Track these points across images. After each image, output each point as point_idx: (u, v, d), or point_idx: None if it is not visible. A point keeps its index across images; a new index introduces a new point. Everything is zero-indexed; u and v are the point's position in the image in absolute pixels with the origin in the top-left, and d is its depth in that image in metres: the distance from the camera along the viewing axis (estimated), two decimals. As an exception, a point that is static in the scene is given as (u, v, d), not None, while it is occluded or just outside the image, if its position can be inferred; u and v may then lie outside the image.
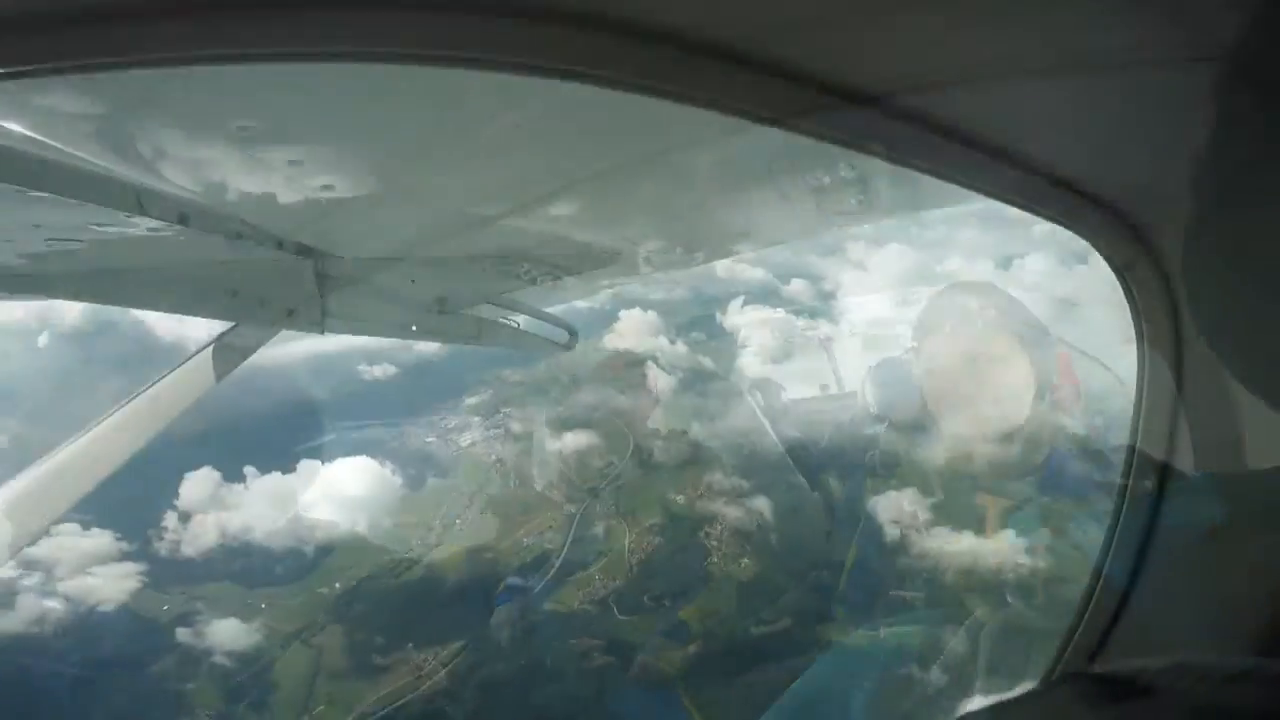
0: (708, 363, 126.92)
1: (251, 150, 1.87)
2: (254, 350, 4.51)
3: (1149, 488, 1.90)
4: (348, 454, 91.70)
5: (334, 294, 3.82)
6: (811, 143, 2.06)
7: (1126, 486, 1.97)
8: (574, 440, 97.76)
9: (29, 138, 1.66)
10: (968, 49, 1.17)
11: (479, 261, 3.87)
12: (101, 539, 70.88)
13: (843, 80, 1.22)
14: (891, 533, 72.72)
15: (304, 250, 3.57)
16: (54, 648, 60.70)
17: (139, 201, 2.24)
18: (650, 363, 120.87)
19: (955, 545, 72.86)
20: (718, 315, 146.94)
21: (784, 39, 1.18)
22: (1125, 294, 1.80)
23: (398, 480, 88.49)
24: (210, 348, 4.43)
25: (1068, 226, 1.68)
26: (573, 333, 5.32)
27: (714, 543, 76.33)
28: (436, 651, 63.41)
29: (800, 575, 71.99)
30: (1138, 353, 1.79)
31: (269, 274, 3.64)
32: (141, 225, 2.42)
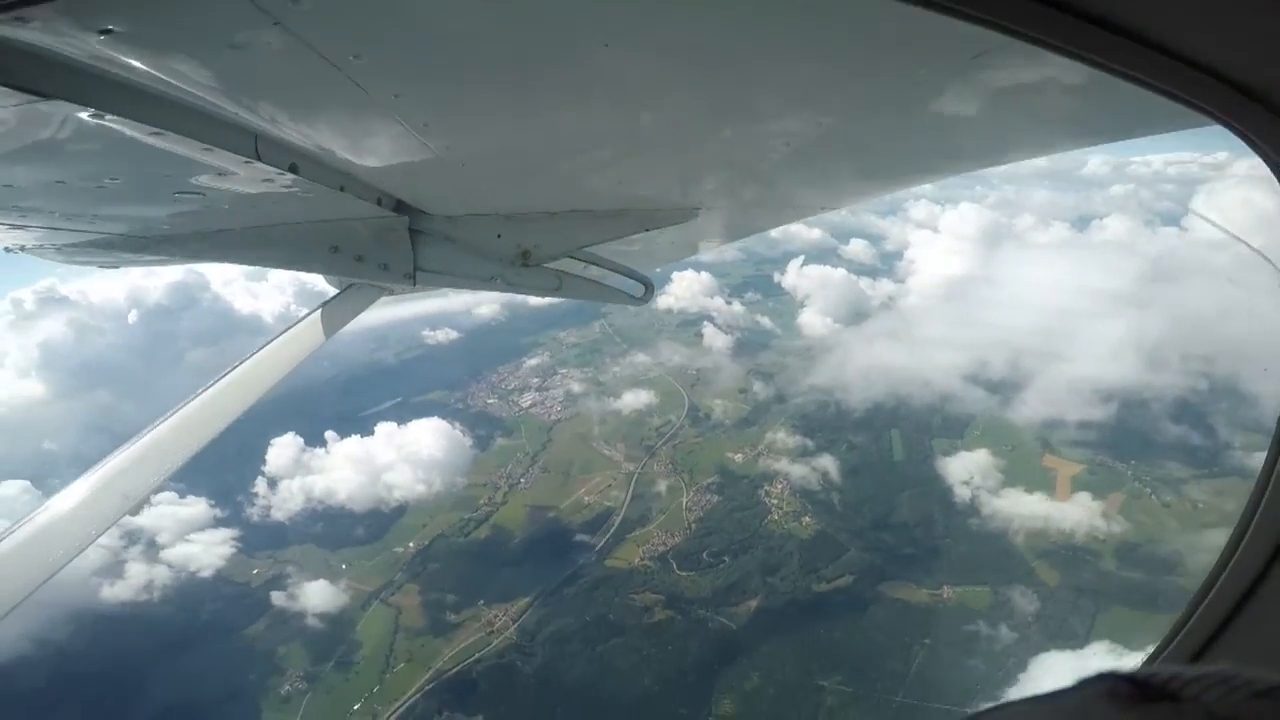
0: (766, 322, 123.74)
1: (360, 83, 1.90)
2: (349, 320, 4.74)
3: None
4: (417, 417, 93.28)
5: (425, 249, 3.92)
6: (898, 88, 2.11)
7: (1265, 489, 1.80)
8: (631, 400, 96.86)
9: (157, 78, 1.76)
10: None
11: (560, 217, 3.92)
12: (197, 507, 74.40)
13: None
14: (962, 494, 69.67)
15: (400, 207, 3.62)
16: (161, 615, 64.62)
17: (256, 146, 2.26)
18: (707, 323, 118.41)
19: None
20: (775, 275, 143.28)
21: None
22: None
23: (465, 442, 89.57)
24: (306, 320, 4.65)
25: (1222, 123, 1.51)
26: (649, 285, 5.08)
27: (774, 501, 74.84)
28: (506, 608, 64.54)
29: (861, 534, 69.93)
30: None
31: (366, 230, 3.76)
32: (256, 176, 2.46)
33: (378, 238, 3.78)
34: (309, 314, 4.65)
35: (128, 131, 1.89)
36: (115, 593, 64.14)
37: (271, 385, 4.27)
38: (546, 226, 3.92)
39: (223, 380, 4.09)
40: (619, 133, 2.78)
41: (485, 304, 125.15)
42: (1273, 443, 1.81)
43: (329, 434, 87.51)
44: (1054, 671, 51.16)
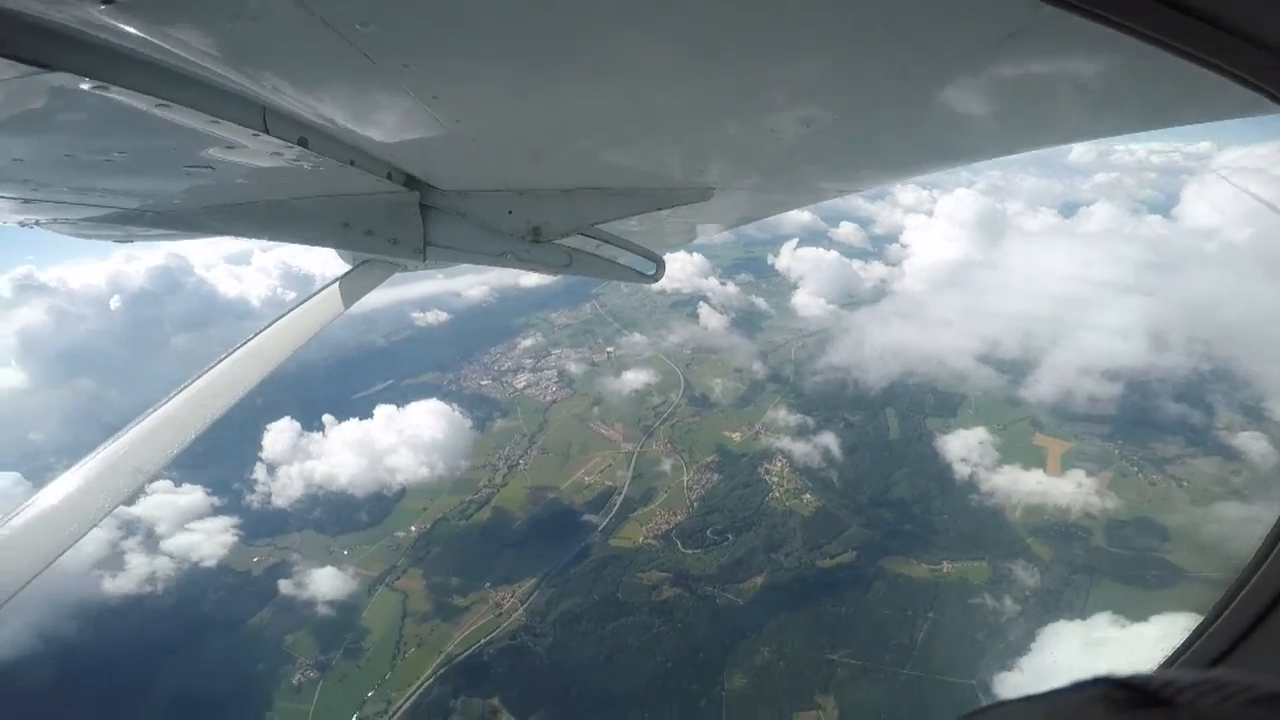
0: (760, 303, 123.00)
1: (368, 54, 1.79)
2: (363, 295, 4.62)
3: None
4: (411, 400, 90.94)
5: (435, 224, 3.79)
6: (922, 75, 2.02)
7: None
8: (627, 380, 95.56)
9: (162, 49, 1.70)
10: None
11: (573, 194, 3.70)
12: (194, 495, 71.42)
13: None
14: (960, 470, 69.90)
15: (410, 182, 3.49)
16: (165, 606, 61.98)
17: (264, 119, 2.19)
18: (702, 303, 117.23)
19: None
20: (768, 257, 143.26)
21: None
22: None
23: (465, 423, 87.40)
24: (322, 293, 4.48)
25: (1245, 84, 1.39)
26: (660, 263, 4.53)
27: (774, 479, 74.44)
28: (513, 590, 63.29)
29: (861, 511, 69.82)
30: None
31: (377, 205, 3.64)
32: (265, 149, 2.37)
33: (388, 212, 3.70)
34: (325, 287, 4.54)
35: (134, 104, 1.82)
36: (118, 585, 61.47)
37: (290, 354, 4.18)
38: (559, 203, 3.78)
39: (240, 350, 3.96)
40: (634, 110, 2.57)
41: (474, 286, 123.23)
42: None
43: (326, 418, 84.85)
44: (1064, 641, 51.77)
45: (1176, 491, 66.78)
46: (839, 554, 64.04)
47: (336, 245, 4.14)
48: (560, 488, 77.55)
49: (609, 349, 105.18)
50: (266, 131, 2.21)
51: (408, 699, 52.38)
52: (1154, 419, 77.88)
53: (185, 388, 3.67)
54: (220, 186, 3.31)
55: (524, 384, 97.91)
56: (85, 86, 1.67)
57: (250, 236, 4.11)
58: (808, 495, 71.14)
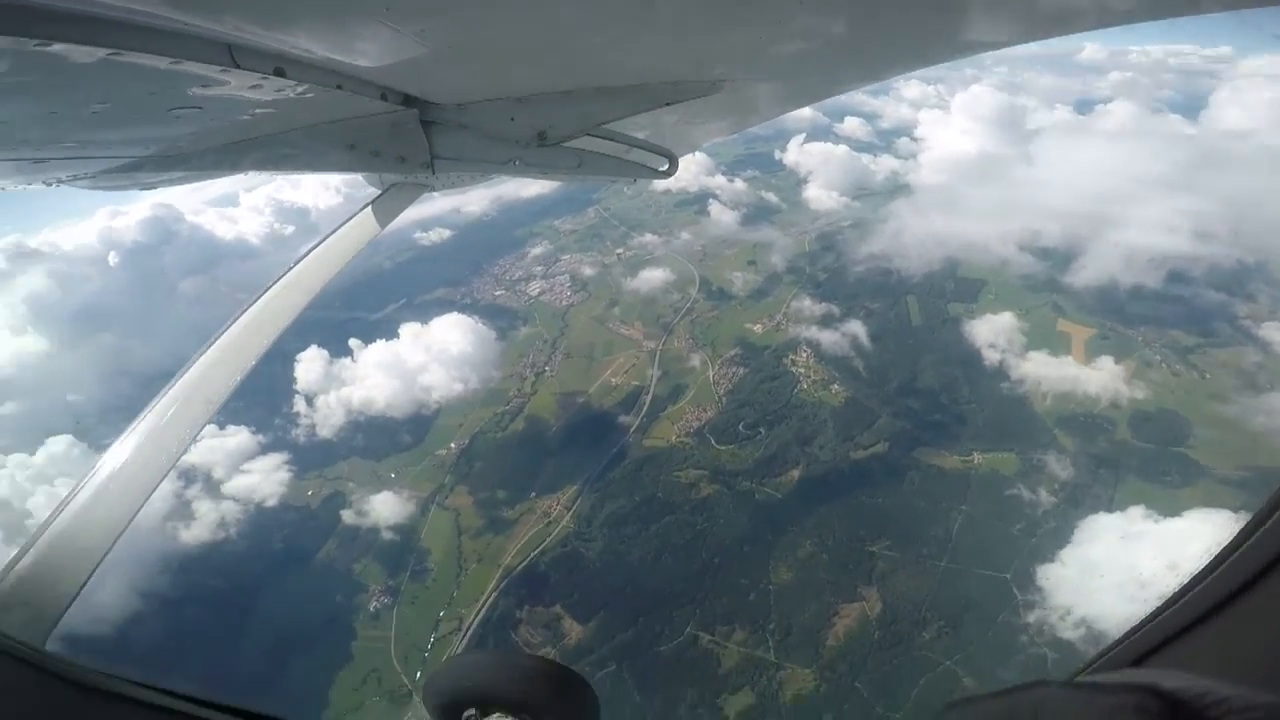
0: (771, 197, 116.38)
1: None
2: (395, 216, 4.69)
3: None
4: (429, 316, 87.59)
5: (439, 138, 3.61)
6: None
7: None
8: (642, 280, 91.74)
9: (114, 5, 1.65)
10: None
11: (574, 95, 3.47)
12: (239, 436, 69.79)
13: None
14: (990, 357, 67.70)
15: (408, 100, 3.34)
16: (241, 550, 61.95)
17: (231, 55, 2.05)
18: (712, 200, 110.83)
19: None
20: (775, 153, 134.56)
21: None
22: None
23: (490, 334, 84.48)
24: (355, 219, 4.56)
25: None
26: (673, 159, 4.32)
27: (801, 370, 72.87)
28: (557, 498, 63.15)
29: (890, 400, 68.44)
30: None
31: (378, 126, 3.47)
32: (243, 83, 2.23)
33: (391, 132, 3.51)
34: (357, 213, 4.57)
35: (82, 59, 1.76)
36: (194, 535, 61.00)
37: (332, 276, 4.17)
38: (561, 105, 3.52)
39: (284, 279, 3.97)
40: (623, 11, 2.42)
41: (474, 202, 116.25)
42: None
43: (353, 342, 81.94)
44: (1104, 535, 51.81)
45: (1199, 383, 65.05)
46: (871, 445, 63.57)
47: (347, 169, 3.90)
48: (589, 391, 76.13)
49: (618, 251, 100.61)
50: (237, 66, 2.04)
51: (476, 614, 53.42)
52: (1179, 307, 75.23)
53: (236, 319, 3.63)
54: (219, 125, 3.17)
55: (538, 291, 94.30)
56: (32, 46, 1.57)
57: (263, 170, 3.92)
58: (836, 386, 69.87)
